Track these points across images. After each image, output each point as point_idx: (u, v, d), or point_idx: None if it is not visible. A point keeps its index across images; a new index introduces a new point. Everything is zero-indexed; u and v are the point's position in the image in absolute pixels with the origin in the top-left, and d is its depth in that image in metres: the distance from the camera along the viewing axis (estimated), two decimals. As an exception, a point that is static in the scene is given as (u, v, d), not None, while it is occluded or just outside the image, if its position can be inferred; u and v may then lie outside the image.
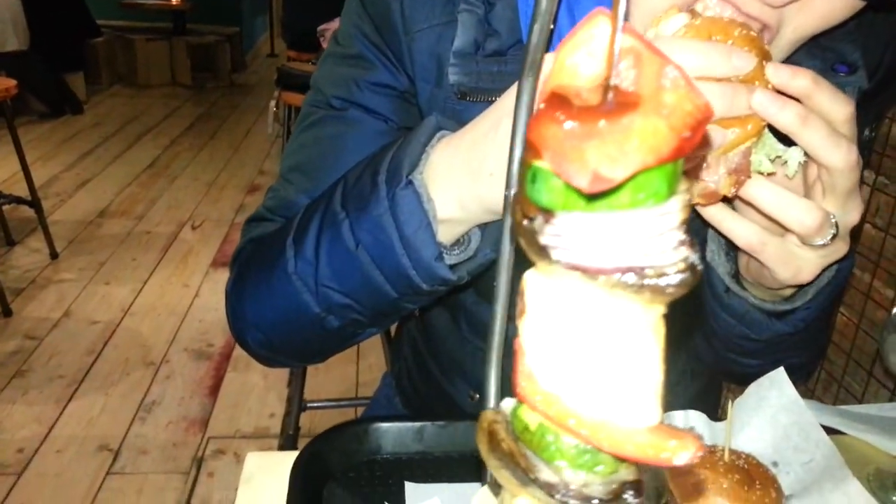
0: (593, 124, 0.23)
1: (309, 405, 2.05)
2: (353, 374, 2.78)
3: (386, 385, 1.12)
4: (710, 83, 0.50)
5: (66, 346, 2.83)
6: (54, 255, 3.49)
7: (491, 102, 0.68)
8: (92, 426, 2.40)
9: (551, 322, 0.28)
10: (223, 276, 3.43)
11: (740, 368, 0.77)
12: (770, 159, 0.55)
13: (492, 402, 0.48)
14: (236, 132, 5.87)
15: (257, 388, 2.67)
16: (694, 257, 0.26)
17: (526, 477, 0.30)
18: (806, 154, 0.55)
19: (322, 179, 0.73)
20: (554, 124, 0.23)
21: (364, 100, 0.74)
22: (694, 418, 0.68)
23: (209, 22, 7.56)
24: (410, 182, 0.58)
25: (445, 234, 0.60)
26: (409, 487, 0.63)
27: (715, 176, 0.55)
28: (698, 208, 0.59)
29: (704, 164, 0.54)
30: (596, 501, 0.30)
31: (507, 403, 0.34)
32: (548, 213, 0.27)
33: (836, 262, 0.60)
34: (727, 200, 0.58)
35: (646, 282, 0.25)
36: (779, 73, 0.52)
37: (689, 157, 0.31)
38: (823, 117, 0.52)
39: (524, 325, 0.30)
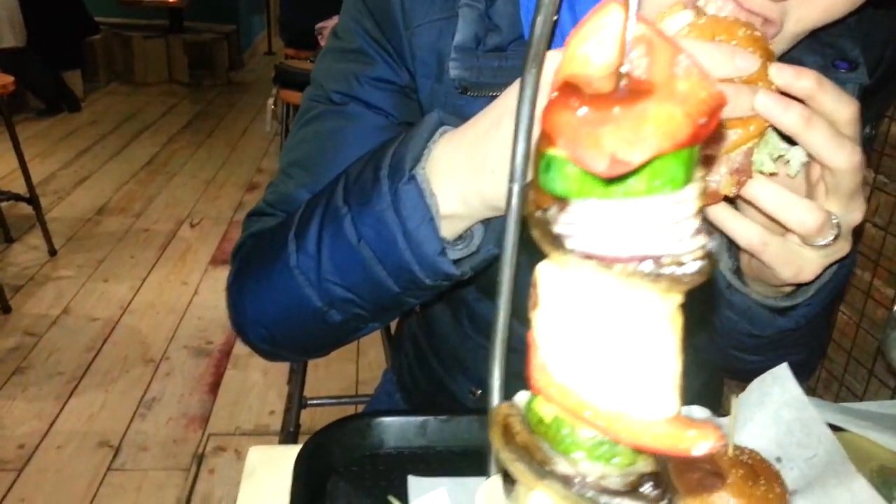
0: (608, 110, 0.22)
1: (309, 402, 2.05)
2: (352, 371, 2.78)
3: (387, 381, 1.12)
4: None
5: (66, 342, 2.83)
6: (53, 253, 3.49)
7: (492, 97, 0.68)
8: (92, 423, 2.40)
9: (565, 314, 0.28)
10: (222, 273, 3.43)
11: (742, 365, 0.77)
12: (772, 158, 0.55)
13: (495, 396, 0.48)
14: (234, 130, 5.86)
15: (257, 386, 2.67)
16: (711, 245, 0.26)
17: (542, 469, 0.30)
18: (808, 153, 0.55)
19: (322, 174, 0.73)
20: (568, 111, 0.23)
21: (364, 95, 0.74)
22: (697, 413, 0.68)
23: (206, 20, 7.54)
24: (413, 177, 0.58)
25: (448, 230, 0.60)
26: (412, 481, 0.63)
27: (717, 176, 0.55)
28: None
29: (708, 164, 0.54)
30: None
31: (521, 397, 0.34)
32: (562, 202, 0.27)
33: (838, 260, 0.60)
34: (729, 200, 0.58)
35: (663, 270, 0.25)
36: (782, 74, 0.51)
37: (704, 148, 0.30)
38: (827, 118, 0.52)
39: (538, 318, 0.30)
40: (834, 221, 0.56)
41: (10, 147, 3.23)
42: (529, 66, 0.38)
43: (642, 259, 0.26)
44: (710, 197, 0.56)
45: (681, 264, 0.25)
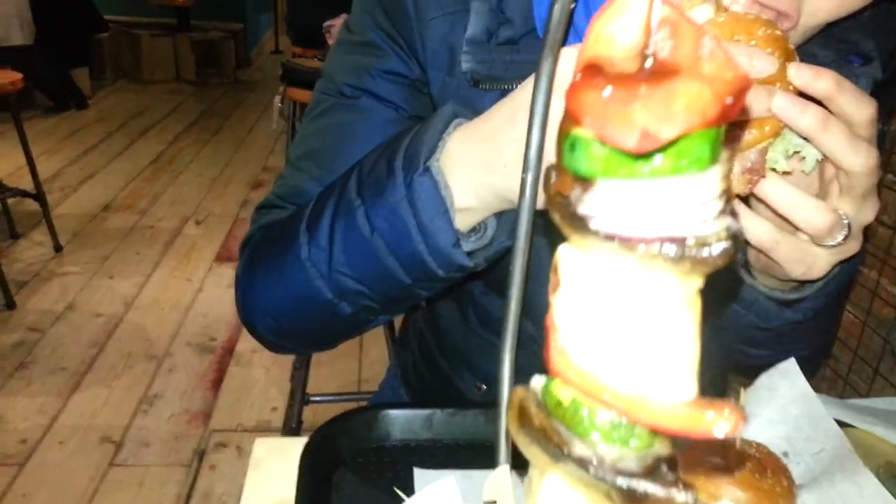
0: (635, 89, 0.23)
1: (312, 399, 2.05)
2: (355, 368, 2.79)
3: (391, 377, 1.12)
4: None
5: (70, 338, 2.83)
6: (58, 249, 3.50)
7: (504, 91, 0.68)
8: (95, 418, 2.40)
9: (585, 297, 0.28)
10: (227, 271, 3.46)
11: (747, 360, 0.77)
12: (787, 155, 0.55)
13: (505, 385, 0.48)
14: (240, 128, 5.87)
15: (259, 383, 2.67)
16: (736, 226, 0.25)
17: (559, 452, 0.30)
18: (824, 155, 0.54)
19: (332, 167, 0.73)
20: (594, 91, 0.23)
21: (375, 88, 0.74)
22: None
23: (214, 18, 7.56)
24: (428, 168, 0.58)
25: (462, 222, 0.60)
26: (418, 473, 0.63)
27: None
28: None
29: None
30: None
31: (537, 381, 0.34)
32: (585, 183, 0.27)
33: (848, 258, 0.60)
34: (741, 198, 0.58)
35: (687, 252, 0.25)
36: (801, 74, 0.51)
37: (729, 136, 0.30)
38: (845, 119, 0.52)
39: (557, 300, 0.30)
40: (845, 222, 0.56)
41: (17, 143, 3.24)
42: (546, 54, 0.38)
43: (666, 240, 0.25)
44: None
45: (705, 245, 0.25)
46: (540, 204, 0.43)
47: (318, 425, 0.66)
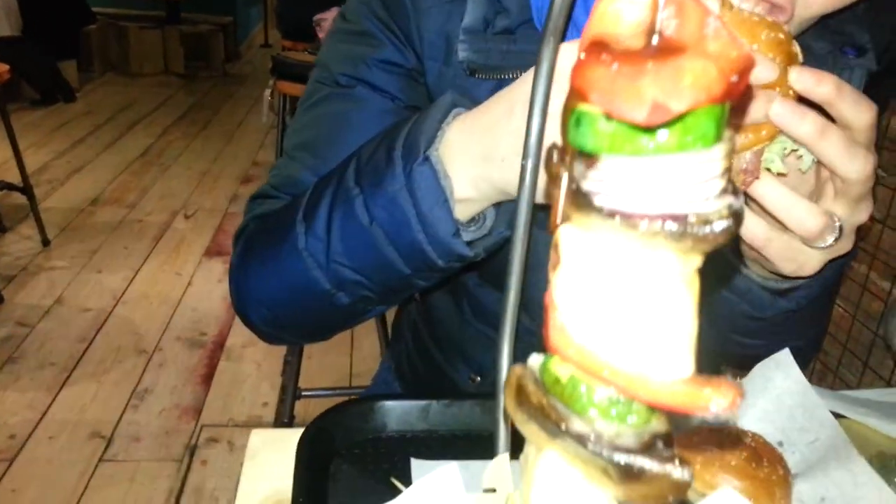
0: (642, 65, 0.23)
1: (304, 393, 2.04)
2: (346, 364, 2.78)
3: (384, 370, 1.12)
4: None
5: (58, 333, 2.81)
6: (46, 243, 3.47)
7: (500, 80, 0.68)
8: (84, 413, 2.39)
9: (585, 275, 0.28)
10: (216, 265, 3.44)
11: (741, 350, 0.77)
12: (784, 155, 0.55)
13: (503, 374, 0.47)
14: (229, 122, 5.84)
15: (251, 378, 2.67)
16: (738, 204, 0.26)
17: (556, 428, 0.30)
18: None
19: (328, 157, 0.72)
20: (602, 66, 0.23)
21: (371, 77, 0.73)
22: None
23: (203, 11, 7.51)
24: (427, 158, 0.58)
25: (461, 212, 0.60)
26: (416, 464, 0.63)
27: None
28: None
29: None
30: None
31: (535, 360, 0.34)
32: (590, 160, 0.27)
33: (841, 256, 0.60)
34: None
35: (688, 229, 0.25)
36: (802, 79, 0.51)
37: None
38: (844, 124, 0.52)
39: (557, 279, 0.30)
40: (836, 225, 0.56)
41: (4, 136, 3.21)
42: (547, 40, 0.38)
43: (668, 217, 0.26)
44: None
45: (707, 223, 0.25)
46: (539, 197, 0.43)
47: (310, 420, 0.66)
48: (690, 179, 0.26)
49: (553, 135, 0.35)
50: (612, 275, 0.28)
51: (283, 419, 1.98)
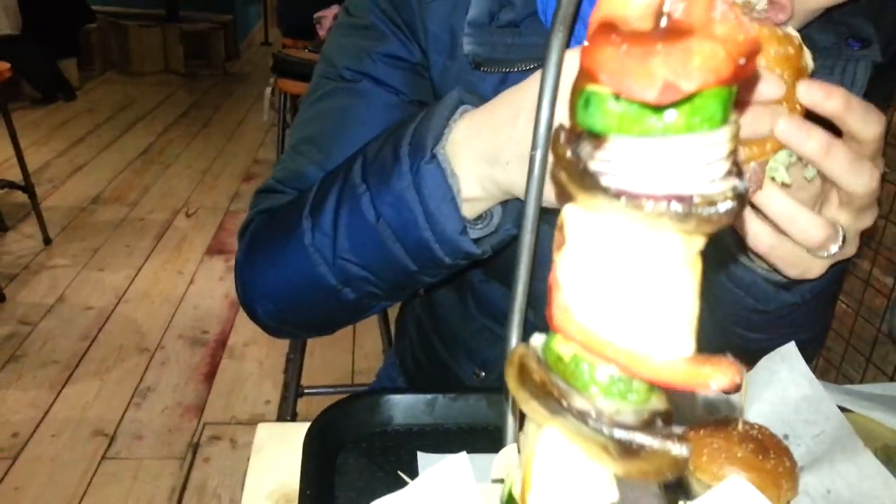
0: (652, 46, 0.23)
1: (306, 391, 2.04)
2: (348, 361, 2.78)
3: (389, 365, 1.12)
4: None
5: (61, 331, 2.81)
6: (47, 241, 3.47)
7: (505, 74, 0.68)
8: (87, 411, 2.39)
9: (590, 255, 0.29)
10: (218, 263, 3.44)
11: (744, 343, 0.78)
12: (788, 164, 0.55)
13: (514, 334, 0.48)
14: (230, 121, 5.84)
15: (253, 376, 2.67)
16: (742, 187, 0.26)
17: (558, 405, 0.31)
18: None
19: (333, 151, 0.72)
20: (612, 47, 0.24)
21: (376, 71, 0.73)
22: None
23: (203, 9, 7.51)
24: (435, 156, 0.58)
25: (468, 210, 0.60)
26: (422, 457, 0.63)
27: None
28: None
29: None
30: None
31: (537, 339, 0.35)
32: (597, 140, 0.27)
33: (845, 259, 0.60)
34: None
35: (693, 210, 0.26)
36: (811, 94, 0.51)
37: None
38: (852, 136, 0.52)
39: (562, 259, 0.30)
40: (840, 234, 0.56)
41: (5, 135, 3.21)
42: (556, 29, 0.38)
43: (674, 198, 0.26)
44: None
45: (711, 204, 0.26)
46: (545, 200, 0.43)
47: (313, 418, 0.66)
48: (696, 161, 0.26)
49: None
50: (616, 255, 0.28)
51: (286, 417, 1.98)
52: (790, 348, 0.67)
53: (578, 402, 0.31)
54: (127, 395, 2.49)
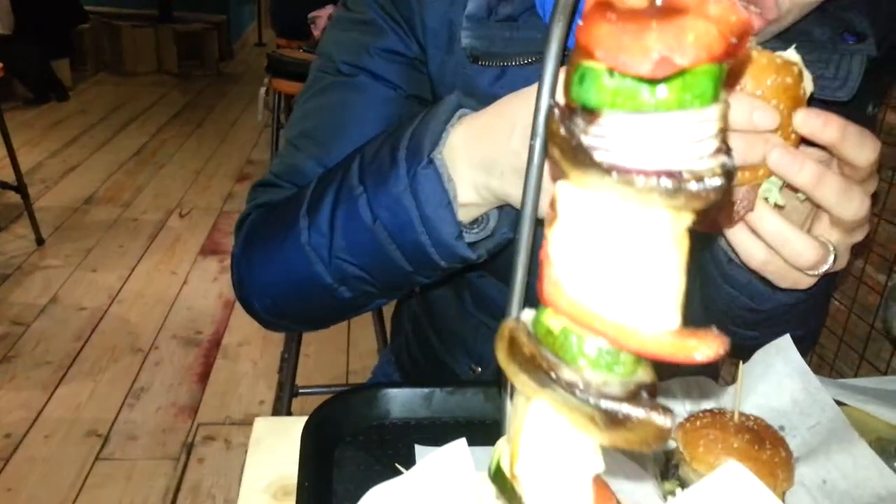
0: (647, 22, 0.24)
1: (300, 391, 2.04)
2: (343, 362, 2.78)
3: (385, 362, 1.12)
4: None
5: (54, 332, 2.80)
6: (40, 242, 3.46)
7: (503, 67, 0.68)
8: (80, 412, 2.38)
9: (580, 231, 0.30)
10: (212, 264, 3.43)
11: (739, 340, 0.78)
12: (783, 182, 0.56)
13: (515, 306, 0.48)
14: (223, 121, 5.83)
15: (247, 376, 2.66)
16: (730, 164, 0.27)
17: (546, 377, 0.32)
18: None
19: (330, 145, 0.73)
20: (608, 24, 0.25)
21: (373, 66, 0.74)
22: (701, 383, 0.69)
23: (196, 10, 7.49)
24: (432, 161, 0.58)
25: (464, 214, 0.60)
26: (420, 450, 0.63)
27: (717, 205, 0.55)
28: None
29: None
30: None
31: (527, 314, 0.35)
32: (591, 116, 0.28)
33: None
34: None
35: (682, 186, 0.26)
36: (808, 124, 0.52)
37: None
38: (847, 162, 0.53)
39: (553, 234, 0.31)
40: (832, 255, 0.57)
41: (-3, 134, 3.20)
42: (556, 18, 0.38)
43: (664, 174, 0.27)
44: (709, 224, 0.57)
45: (700, 180, 0.27)
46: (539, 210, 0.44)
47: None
48: (687, 138, 0.27)
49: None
50: (606, 231, 0.29)
51: (281, 415, 1.97)
52: (785, 341, 0.68)
53: (567, 374, 0.31)
54: (120, 396, 2.47)
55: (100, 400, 2.45)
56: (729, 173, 0.27)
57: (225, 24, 7.79)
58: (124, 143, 5.08)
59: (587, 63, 0.27)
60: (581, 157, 0.28)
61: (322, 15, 3.62)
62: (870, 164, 0.53)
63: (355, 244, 0.65)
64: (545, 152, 0.42)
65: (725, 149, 0.27)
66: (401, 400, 0.69)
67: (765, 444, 0.57)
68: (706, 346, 0.28)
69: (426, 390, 0.70)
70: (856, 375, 1.52)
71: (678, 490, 0.57)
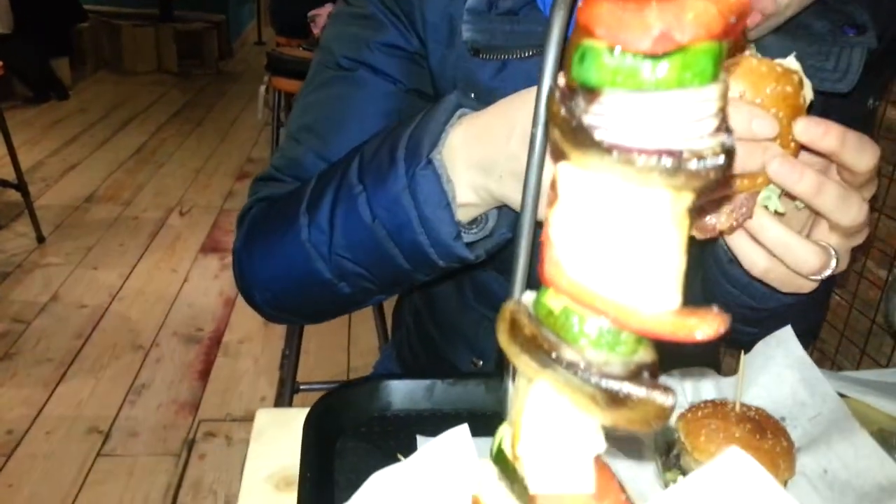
0: (647, 0, 0.24)
1: (301, 387, 2.04)
2: (344, 359, 2.78)
3: (386, 357, 1.12)
4: None
5: (55, 329, 2.80)
6: (41, 240, 3.46)
7: (504, 61, 0.68)
8: (82, 408, 2.38)
9: (581, 212, 0.30)
10: (212, 262, 3.43)
11: (740, 336, 0.78)
12: (779, 193, 0.56)
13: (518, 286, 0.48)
14: (223, 120, 5.82)
15: (248, 374, 2.66)
16: (730, 142, 0.27)
17: (548, 357, 0.32)
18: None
19: (330, 139, 0.73)
20: (608, 2, 0.25)
21: (373, 60, 0.74)
22: (702, 375, 0.69)
23: (196, 9, 7.49)
24: (430, 162, 0.58)
25: (462, 214, 0.60)
26: (421, 441, 0.63)
27: (718, 210, 0.56)
28: None
29: (709, 199, 0.55)
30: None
31: (528, 296, 0.36)
32: (591, 95, 0.28)
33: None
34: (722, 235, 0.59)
35: (683, 165, 0.26)
36: (808, 132, 0.52)
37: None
38: (846, 168, 0.54)
39: (554, 215, 0.31)
40: (834, 258, 0.57)
41: (-3, 133, 3.20)
42: (557, 6, 0.39)
43: (664, 152, 0.27)
44: (703, 231, 0.57)
45: (700, 158, 0.27)
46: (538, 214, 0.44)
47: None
48: (686, 117, 0.27)
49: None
50: (606, 212, 0.29)
51: (282, 412, 1.97)
52: (786, 333, 0.68)
53: (568, 354, 0.31)
54: (122, 393, 2.48)
55: (101, 397, 2.45)
56: (729, 152, 0.27)
57: (224, 23, 7.79)
58: (124, 142, 5.08)
59: (588, 42, 0.27)
60: (581, 137, 0.28)
61: (322, 13, 3.62)
62: (869, 169, 0.54)
63: (354, 242, 0.65)
64: (546, 142, 0.42)
65: (725, 128, 0.28)
66: (402, 391, 0.69)
67: (766, 434, 0.57)
68: (707, 325, 0.28)
69: (428, 382, 0.70)
70: (857, 370, 1.52)
71: (680, 479, 0.57)
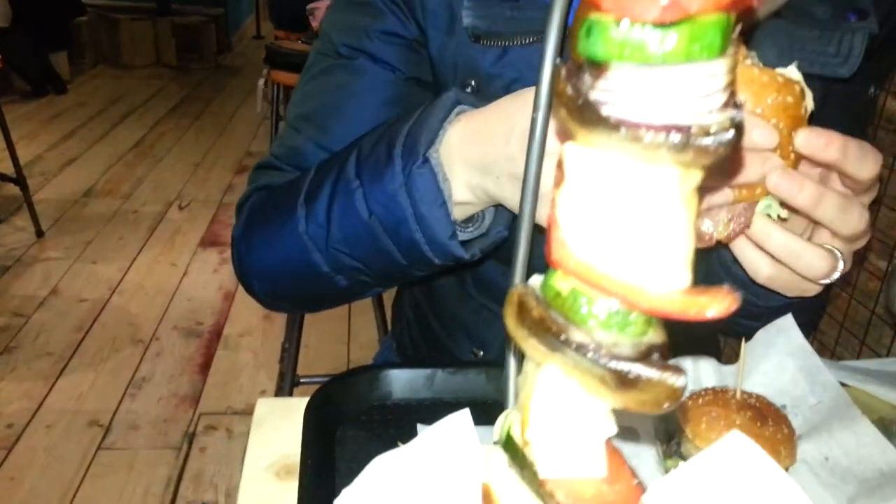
0: None
1: (301, 380, 2.05)
2: (343, 353, 2.78)
3: (386, 349, 1.12)
4: None
5: (54, 323, 2.80)
6: (40, 234, 3.46)
7: (505, 48, 0.68)
8: (82, 402, 2.38)
9: (589, 191, 0.29)
10: (212, 255, 3.43)
11: (742, 329, 0.78)
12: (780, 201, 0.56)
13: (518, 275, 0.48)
14: (222, 114, 5.81)
15: (248, 367, 2.67)
16: (739, 117, 0.26)
17: (556, 340, 0.31)
18: None
19: (330, 128, 0.73)
20: None
21: (372, 48, 0.73)
22: (703, 363, 0.69)
23: (194, 2, 7.46)
24: (427, 160, 0.58)
25: (459, 213, 0.60)
26: (422, 430, 0.63)
27: (716, 218, 0.55)
28: None
29: (706, 207, 0.54)
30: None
31: (535, 279, 0.35)
32: (598, 70, 0.27)
33: None
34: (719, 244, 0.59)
35: (691, 140, 0.26)
36: (809, 144, 0.52)
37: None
38: (848, 178, 0.53)
39: (561, 195, 0.31)
40: (841, 262, 0.57)
41: (-4, 127, 3.19)
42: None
43: (672, 128, 0.26)
44: (702, 240, 0.56)
45: (709, 134, 0.26)
46: (536, 219, 0.44)
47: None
48: (695, 92, 0.27)
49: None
50: (614, 191, 0.29)
51: (282, 405, 1.98)
52: (787, 321, 0.68)
53: (577, 336, 0.31)
54: (122, 386, 2.48)
55: (101, 390, 2.45)
56: (738, 127, 0.26)
57: (223, 17, 7.76)
58: (123, 136, 5.07)
59: (594, 15, 0.27)
60: (588, 114, 0.27)
61: (320, 6, 3.61)
62: (872, 177, 0.53)
63: (351, 236, 0.65)
64: (546, 126, 0.42)
65: (734, 103, 0.27)
66: (403, 380, 0.69)
67: (767, 422, 0.57)
68: (717, 303, 0.28)
69: (428, 370, 0.70)
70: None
71: (681, 465, 0.57)
